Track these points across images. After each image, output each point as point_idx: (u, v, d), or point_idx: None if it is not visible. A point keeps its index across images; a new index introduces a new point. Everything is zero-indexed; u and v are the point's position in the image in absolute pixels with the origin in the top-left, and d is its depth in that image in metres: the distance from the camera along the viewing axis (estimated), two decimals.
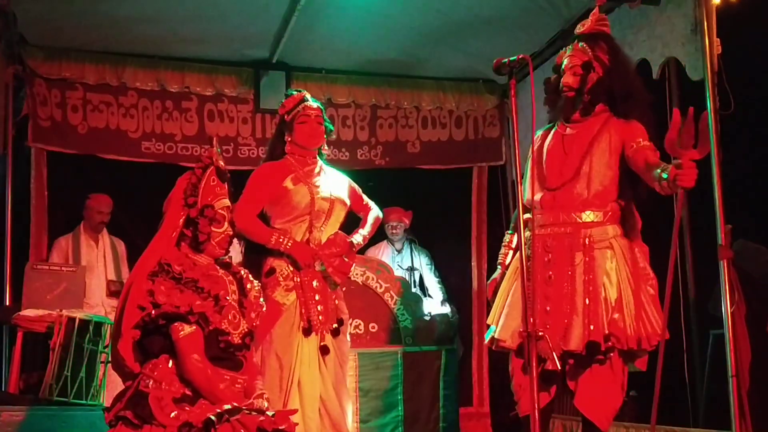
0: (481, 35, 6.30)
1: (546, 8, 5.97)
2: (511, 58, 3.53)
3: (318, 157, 4.43)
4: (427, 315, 6.22)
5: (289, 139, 4.36)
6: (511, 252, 4.21)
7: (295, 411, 3.39)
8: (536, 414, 3.25)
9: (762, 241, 5.31)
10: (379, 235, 6.45)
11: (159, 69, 6.82)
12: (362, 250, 5.09)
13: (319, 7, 5.85)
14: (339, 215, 4.40)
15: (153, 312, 3.12)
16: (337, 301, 4.30)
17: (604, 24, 4.03)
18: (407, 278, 6.87)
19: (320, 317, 4.17)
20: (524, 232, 3.80)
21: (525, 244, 3.56)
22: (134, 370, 3.19)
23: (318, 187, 4.32)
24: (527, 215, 3.98)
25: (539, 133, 4.13)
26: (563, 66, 3.97)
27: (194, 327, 3.13)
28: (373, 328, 5.98)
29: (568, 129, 3.98)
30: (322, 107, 4.44)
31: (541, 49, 6.51)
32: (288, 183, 4.26)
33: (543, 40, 6.47)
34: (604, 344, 3.66)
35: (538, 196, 3.94)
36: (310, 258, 4.20)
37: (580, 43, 3.96)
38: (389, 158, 7.45)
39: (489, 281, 4.29)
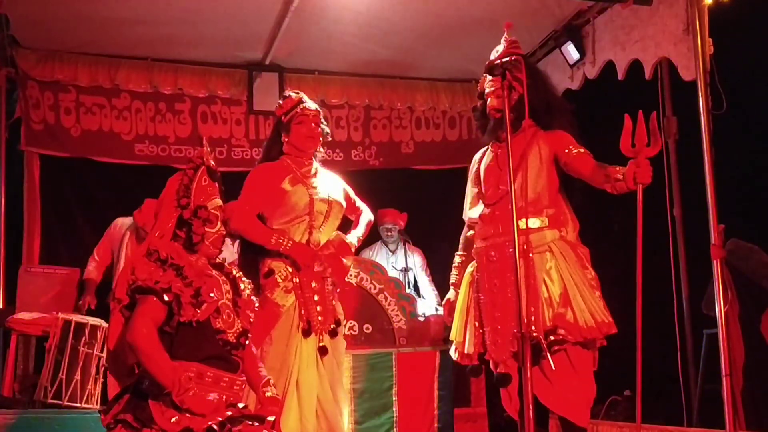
0: (474, 36, 6.30)
1: (539, 9, 5.98)
2: (504, 59, 3.55)
3: (313, 159, 4.44)
4: (421, 316, 6.21)
5: (286, 140, 4.37)
6: (458, 272, 4.41)
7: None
8: (530, 414, 3.27)
9: (754, 240, 5.32)
10: (373, 236, 6.45)
11: (152, 71, 6.80)
12: (356, 252, 5.09)
13: (311, 9, 5.85)
14: (337, 216, 4.41)
15: (133, 285, 3.10)
16: (334, 302, 4.31)
17: (517, 47, 4.18)
18: (401, 279, 6.86)
19: (319, 318, 4.18)
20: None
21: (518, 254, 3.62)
22: (129, 361, 3.17)
23: (315, 188, 4.33)
24: (471, 232, 4.29)
25: (477, 155, 4.37)
26: (486, 92, 4.17)
27: (164, 304, 3.09)
28: (367, 329, 5.98)
29: (500, 148, 4.11)
30: (319, 110, 4.45)
31: (533, 50, 6.53)
32: (286, 184, 4.27)
33: (536, 41, 6.49)
34: (545, 340, 3.76)
35: (477, 213, 4.20)
36: (310, 259, 4.20)
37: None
38: (383, 159, 7.46)
39: (444, 302, 4.51)
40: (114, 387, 5.21)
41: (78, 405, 5.21)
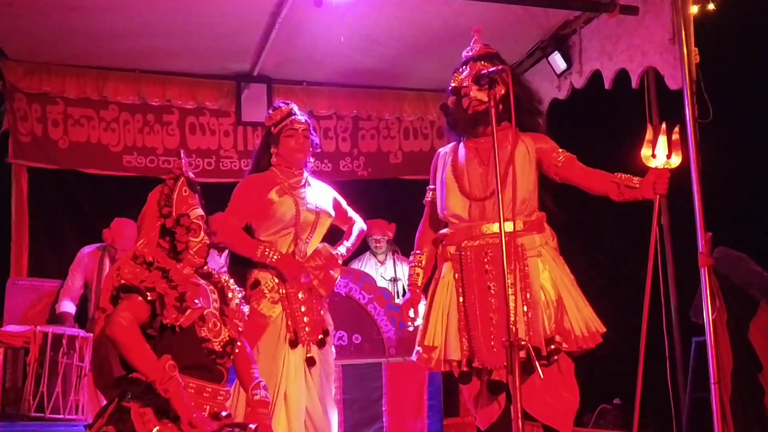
0: (461, 46, 6.23)
1: (525, 20, 6.00)
2: (491, 69, 3.56)
3: (303, 169, 4.43)
4: (410, 326, 6.21)
5: (275, 151, 4.35)
6: (422, 272, 4.17)
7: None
8: (519, 421, 3.26)
9: (742, 248, 5.34)
10: (361, 247, 6.44)
11: (140, 83, 6.81)
12: (345, 262, 5.09)
13: (299, 20, 5.86)
14: (324, 227, 4.40)
15: (117, 284, 3.10)
16: (322, 312, 4.30)
17: (491, 47, 4.10)
18: (390, 289, 6.87)
19: (306, 329, 4.17)
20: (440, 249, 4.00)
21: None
22: (115, 374, 3.16)
23: (303, 198, 4.31)
24: (444, 230, 4.02)
25: (444, 150, 4.14)
26: (464, 85, 3.95)
27: (148, 303, 3.09)
28: (356, 339, 5.97)
29: (479, 143, 3.95)
30: (308, 122, 4.45)
31: (520, 60, 6.55)
32: (273, 195, 4.26)
33: (523, 51, 6.52)
34: (546, 348, 3.68)
35: (462, 209, 3.93)
36: (296, 270, 4.19)
37: (479, 63, 3.98)
38: (371, 169, 7.47)
39: (402, 304, 4.24)
40: (92, 397, 5.21)
41: (61, 416, 5.19)
